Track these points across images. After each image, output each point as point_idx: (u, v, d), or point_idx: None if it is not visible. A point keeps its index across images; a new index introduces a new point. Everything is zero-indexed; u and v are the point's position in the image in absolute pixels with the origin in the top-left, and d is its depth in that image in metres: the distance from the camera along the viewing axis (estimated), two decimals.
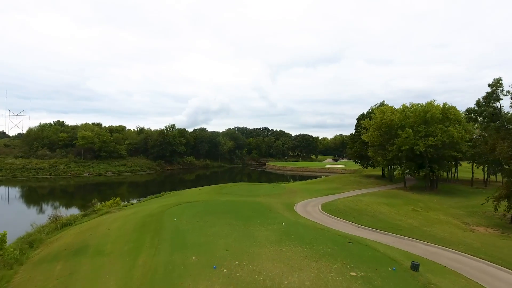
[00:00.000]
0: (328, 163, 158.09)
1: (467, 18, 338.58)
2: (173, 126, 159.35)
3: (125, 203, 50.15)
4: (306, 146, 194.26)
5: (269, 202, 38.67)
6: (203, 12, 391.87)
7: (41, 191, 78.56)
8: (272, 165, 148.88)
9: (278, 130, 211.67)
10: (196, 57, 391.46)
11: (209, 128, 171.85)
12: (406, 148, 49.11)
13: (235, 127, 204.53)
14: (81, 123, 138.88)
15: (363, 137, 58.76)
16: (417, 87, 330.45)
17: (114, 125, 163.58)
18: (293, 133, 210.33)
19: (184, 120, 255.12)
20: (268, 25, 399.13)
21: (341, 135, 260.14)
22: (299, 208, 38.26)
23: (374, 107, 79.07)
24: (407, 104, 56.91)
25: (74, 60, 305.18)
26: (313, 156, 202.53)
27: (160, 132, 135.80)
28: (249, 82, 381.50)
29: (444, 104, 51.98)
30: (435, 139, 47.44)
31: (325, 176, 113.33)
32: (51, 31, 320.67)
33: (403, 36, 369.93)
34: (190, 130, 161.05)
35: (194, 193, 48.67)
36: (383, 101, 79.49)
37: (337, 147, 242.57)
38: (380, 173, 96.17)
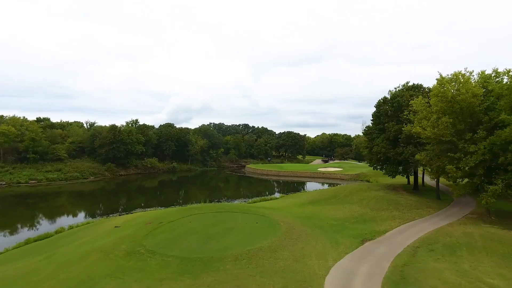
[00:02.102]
0: (319, 165, 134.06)
1: (448, 19, 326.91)
2: (135, 121, 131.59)
3: None
4: (292, 145, 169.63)
5: None
6: (186, 11, 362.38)
7: None
8: (254, 168, 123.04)
9: (260, 127, 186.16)
10: (178, 55, 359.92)
11: (191, 128, 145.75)
12: None
13: (210, 123, 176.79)
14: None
15: (414, 129, 33.61)
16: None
17: (70, 120, 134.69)
18: (276, 131, 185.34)
19: (165, 119, 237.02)
20: (252, 24, 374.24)
21: (323, 133, 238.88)
22: None
23: (394, 91, 55.37)
24: (488, 72, 32.60)
25: (49, 55, 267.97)
26: (299, 157, 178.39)
27: (111, 128, 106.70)
28: (232, 81, 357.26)
29: None
30: None
31: (322, 183, 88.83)
32: (24, 24, 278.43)
33: (386, 36, 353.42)
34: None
35: (77, 254, 21.82)
36: (407, 82, 55.95)
37: (325, 146, 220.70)
38: (401, 180, 72.69)
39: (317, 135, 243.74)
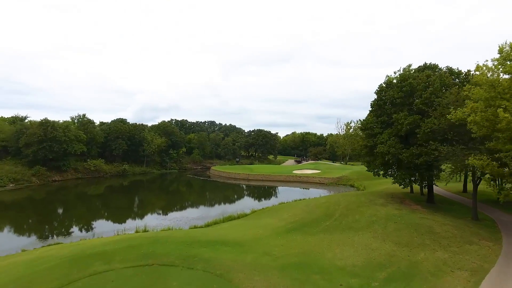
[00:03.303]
0: (293, 166, 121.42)
1: (411, 23, 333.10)
2: (83, 116, 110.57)
3: None
4: (263, 145, 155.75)
5: None
6: (159, 7, 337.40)
7: None
8: (220, 170, 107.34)
9: (228, 124, 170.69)
10: (145, 50, 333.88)
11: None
12: None
13: (172, 119, 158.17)
14: None
15: (480, 116, 20.15)
16: (367, 89, 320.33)
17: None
18: (246, 130, 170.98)
19: (130, 117, 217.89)
20: (224, 23, 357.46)
21: (294, 132, 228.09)
22: None
23: (392, 76, 43.00)
24: None
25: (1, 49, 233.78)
26: (270, 157, 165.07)
27: (41, 123, 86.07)
28: (202, 80, 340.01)
29: None
30: None
31: (295, 187, 74.44)
32: None
33: (353, 39, 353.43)
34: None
35: None
36: (409, 64, 43.79)
37: (297, 146, 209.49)
38: (397, 186, 60.86)
39: (287, 134, 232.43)
